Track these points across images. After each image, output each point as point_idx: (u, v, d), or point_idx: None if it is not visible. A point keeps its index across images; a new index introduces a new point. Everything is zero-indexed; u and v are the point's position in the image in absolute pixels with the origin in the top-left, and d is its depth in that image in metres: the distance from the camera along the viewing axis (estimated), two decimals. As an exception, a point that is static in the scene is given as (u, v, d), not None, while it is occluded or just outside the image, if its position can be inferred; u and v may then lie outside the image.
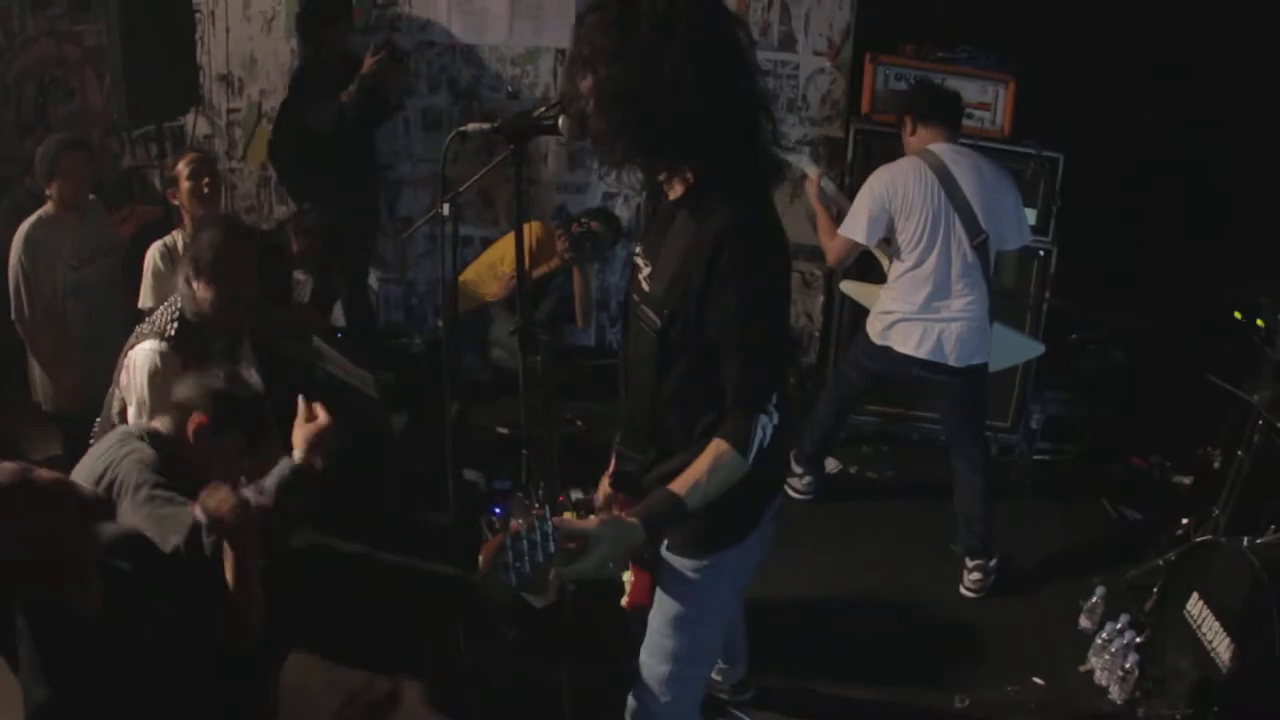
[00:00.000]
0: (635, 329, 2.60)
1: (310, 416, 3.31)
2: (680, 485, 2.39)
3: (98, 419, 4.07)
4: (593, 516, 2.71)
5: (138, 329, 4.01)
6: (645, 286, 2.55)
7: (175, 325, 3.90)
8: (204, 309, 3.84)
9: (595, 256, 6.20)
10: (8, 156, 7.17)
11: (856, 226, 4.52)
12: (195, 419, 3.23)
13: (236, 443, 3.30)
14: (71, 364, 4.83)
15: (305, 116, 5.84)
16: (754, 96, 2.36)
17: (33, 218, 4.96)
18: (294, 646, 3.50)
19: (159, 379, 3.76)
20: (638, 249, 2.67)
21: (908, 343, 4.56)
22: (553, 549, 2.13)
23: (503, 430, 5.60)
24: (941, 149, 4.50)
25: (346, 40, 6.01)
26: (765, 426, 2.41)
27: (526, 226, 5.81)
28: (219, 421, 3.24)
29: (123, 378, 3.93)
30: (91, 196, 5.20)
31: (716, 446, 2.40)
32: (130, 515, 3.09)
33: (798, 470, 5.33)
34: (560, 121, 2.54)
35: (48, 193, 4.96)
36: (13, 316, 4.92)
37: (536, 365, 3.40)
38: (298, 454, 3.24)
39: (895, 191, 4.46)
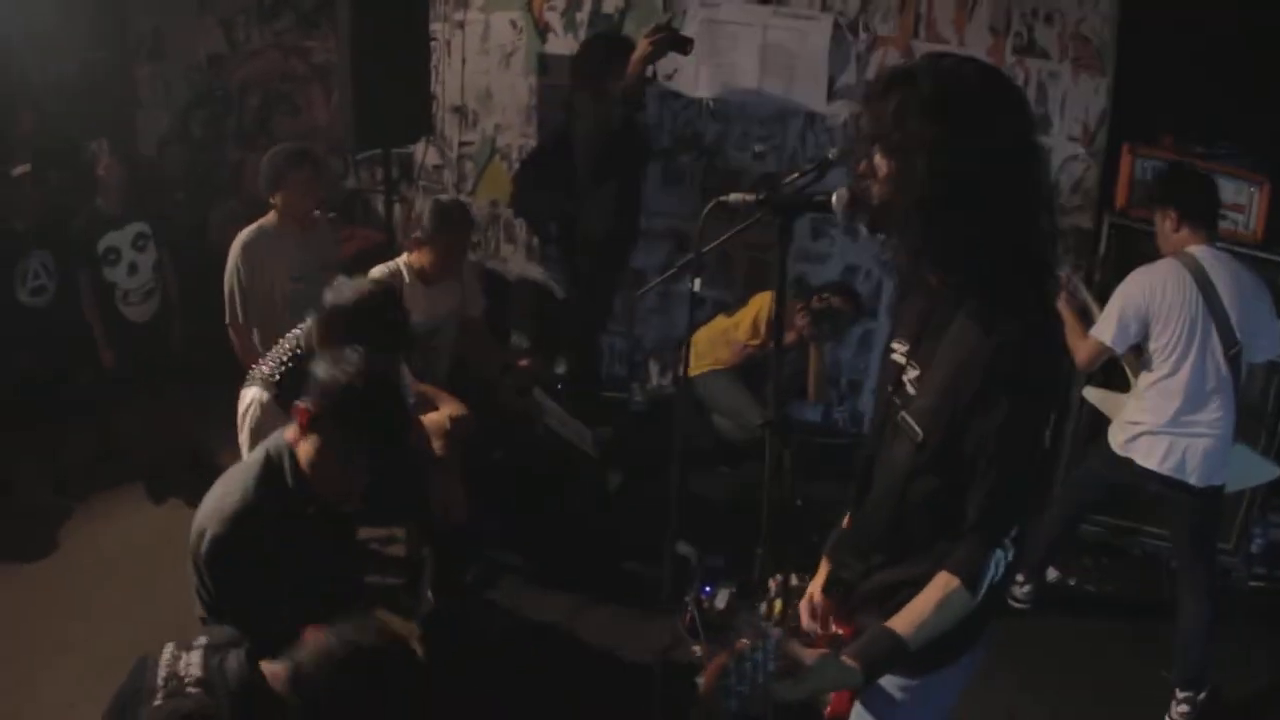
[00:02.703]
0: (889, 433, 2.54)
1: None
2: (904, 624, 2.30)
3: None
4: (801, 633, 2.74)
5: (251, 370, 3.98)
6: (911, 391, 2.47)
7: (283, 370, 3.84)
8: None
9: (835, 334, 6.17)
10: (224, 163, 7.56)
11: (1107, 330, 4.54)
12: (301, 409, 3.11)
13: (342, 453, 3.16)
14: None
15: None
16: (1045, 193, 2.29)
17: (253, 227, 5.15)
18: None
19: (259, 432, 3.67)
20: (897, 344, 2.58)
21: (1151, 456, 4.55)
22: (772, 668, 2.10)
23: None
24: (1201, 252, 4.47)
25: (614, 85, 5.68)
26: (999, 563, 2.33)
27: (764, 296, 5.94)
28: (335, 434, 3.10)
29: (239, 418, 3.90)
30: (318, 212, 5.38)
31: (946, 582, 2.32)
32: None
33: (1019, 578, 5.30)
34: (834, 199, 2.43)
35: (271, 202, 5.16)
36: (226, 320, 5.14)
37: (785, 458, 3.37)
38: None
39: (1152, 297, 4.45)
